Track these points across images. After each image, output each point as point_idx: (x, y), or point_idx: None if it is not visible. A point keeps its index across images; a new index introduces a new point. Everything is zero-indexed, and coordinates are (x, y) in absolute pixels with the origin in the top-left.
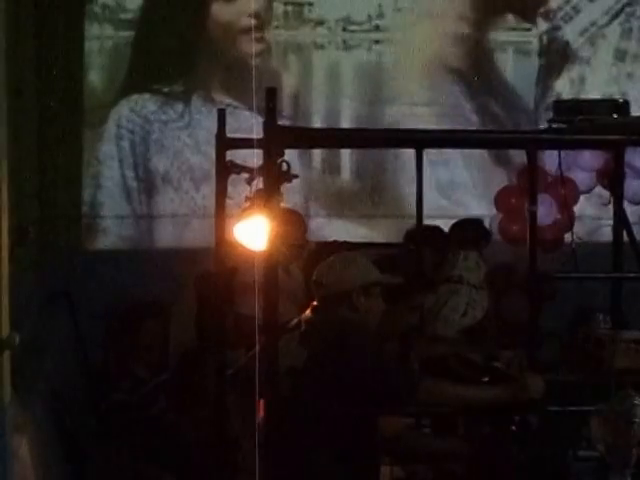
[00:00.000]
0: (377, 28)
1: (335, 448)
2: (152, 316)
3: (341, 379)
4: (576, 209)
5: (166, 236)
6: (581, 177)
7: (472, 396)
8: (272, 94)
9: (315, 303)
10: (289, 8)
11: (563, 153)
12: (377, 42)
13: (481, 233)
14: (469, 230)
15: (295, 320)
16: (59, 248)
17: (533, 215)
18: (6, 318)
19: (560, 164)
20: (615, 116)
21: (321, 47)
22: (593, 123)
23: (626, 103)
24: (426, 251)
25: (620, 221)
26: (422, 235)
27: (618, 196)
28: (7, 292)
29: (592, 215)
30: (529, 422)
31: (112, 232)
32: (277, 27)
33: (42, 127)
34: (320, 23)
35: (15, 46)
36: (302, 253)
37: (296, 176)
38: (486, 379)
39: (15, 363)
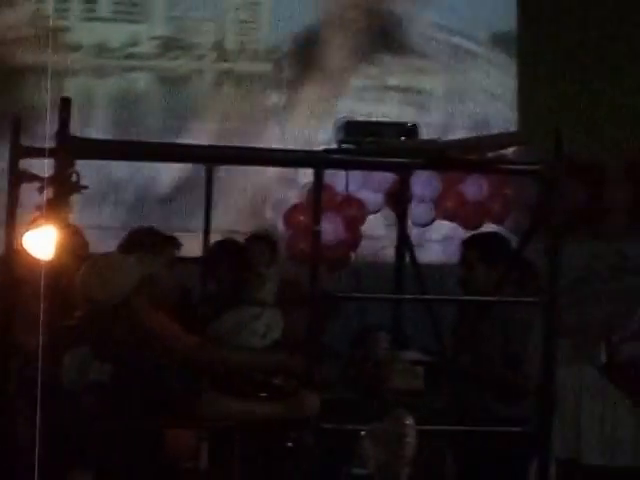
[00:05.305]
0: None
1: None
2: None
3: (126, 393)
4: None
5: None
6: (370, 198)
7: (248, 411)
8: (66, 104)
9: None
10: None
11: (353, 173)
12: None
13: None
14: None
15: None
16: None
17: (317, 234)
18: None
19: (347, 184)
20: (403, 139)
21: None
22: (381, 145)
23: (415, 127)
24: (222, 268)
25: (403, 242)
26: (219, 251)
27: (402, 218)
28: None
29: (378, 235)
30: (305, 438)
31: None
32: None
33: None
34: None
35: None
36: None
37: (86, 187)
38: (263, 394)
39: None
